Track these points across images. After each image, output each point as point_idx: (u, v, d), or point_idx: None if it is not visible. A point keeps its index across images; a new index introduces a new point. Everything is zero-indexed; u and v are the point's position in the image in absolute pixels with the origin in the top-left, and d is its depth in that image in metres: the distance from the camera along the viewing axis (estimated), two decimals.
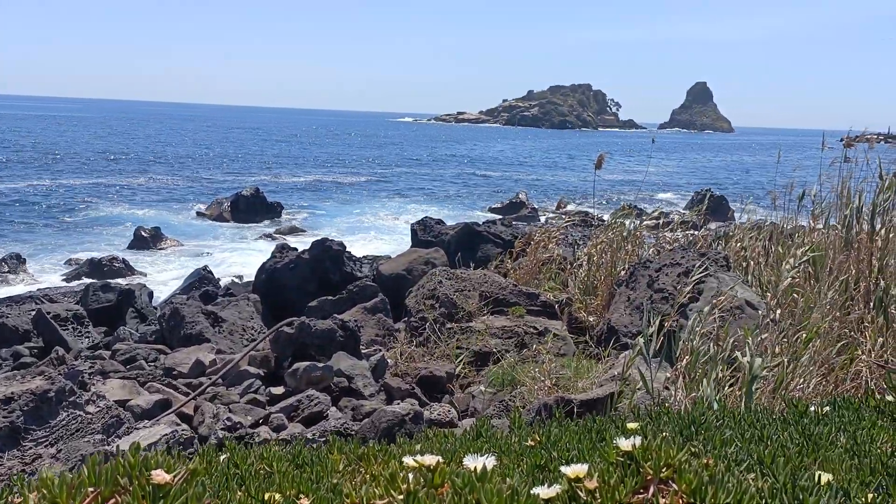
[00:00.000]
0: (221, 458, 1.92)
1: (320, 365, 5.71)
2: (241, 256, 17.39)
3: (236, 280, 12.64)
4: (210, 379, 5.92)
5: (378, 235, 21.59)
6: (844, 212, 6.49)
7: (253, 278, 9.87)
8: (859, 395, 4.32)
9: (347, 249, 9.55)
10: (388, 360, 6.37)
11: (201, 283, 10.84)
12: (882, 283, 5.27)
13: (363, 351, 6.47)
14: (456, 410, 5.60)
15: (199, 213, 24.17)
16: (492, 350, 6.39)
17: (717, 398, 3.79)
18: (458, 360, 6.32)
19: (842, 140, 7.50)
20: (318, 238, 9.48)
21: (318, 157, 55.19)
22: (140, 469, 1.12)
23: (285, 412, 5.32)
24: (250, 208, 23.18)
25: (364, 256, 14.45)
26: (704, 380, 4.22)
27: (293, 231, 21.19)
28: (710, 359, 4.48)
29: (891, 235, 5.86)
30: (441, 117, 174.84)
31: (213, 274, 11.85)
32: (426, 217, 11.75)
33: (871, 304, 5.59)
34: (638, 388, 4.64)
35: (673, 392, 4.55)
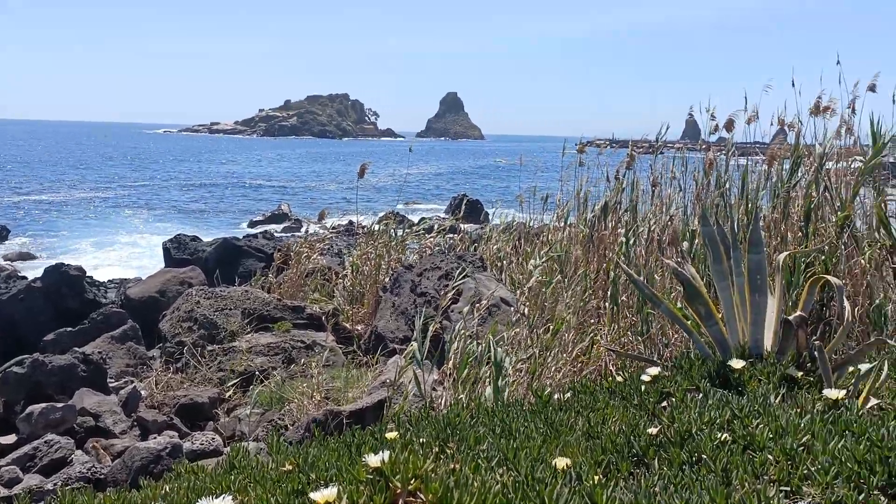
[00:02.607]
0: None
1: (60, 405, 5.12)
2: None
3: None
4: None
5: (126, 256, 19.95)
6: (583, 211, 7.15)
7: None
8: (599, 378, 4.76)
9: (89, 274, 8.70)
10: (142, 392, 5.90)
11: None
12: (612, 274, 5.86)
13: (112, 384, 5.92)
14: (221, 437, 5.31)
15: None
16: (257, 369, 6.17)
17: (483, 394, 3.96)
18: (225, 384, 6.01)
19: (576, 146, 8.27)
20: (54, 264, 8.53)
21: (55, 172, 49.80)
22: None
23: (19, 463, 4.70)
24: None
25: (110, 280, 13.26)
26: (471, 381, 4.39)
27: (24, 257, 18.87)
28: (475, 359, 4.67)
29: (620, 231, 6.55)
30: (193, 128, 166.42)
31: None
32: (180, 234, 11.07)
33: (608, 293, 6.21)
34: (411, 394, 4.72)
35: (441, 393, 4.69)
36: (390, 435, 2.22)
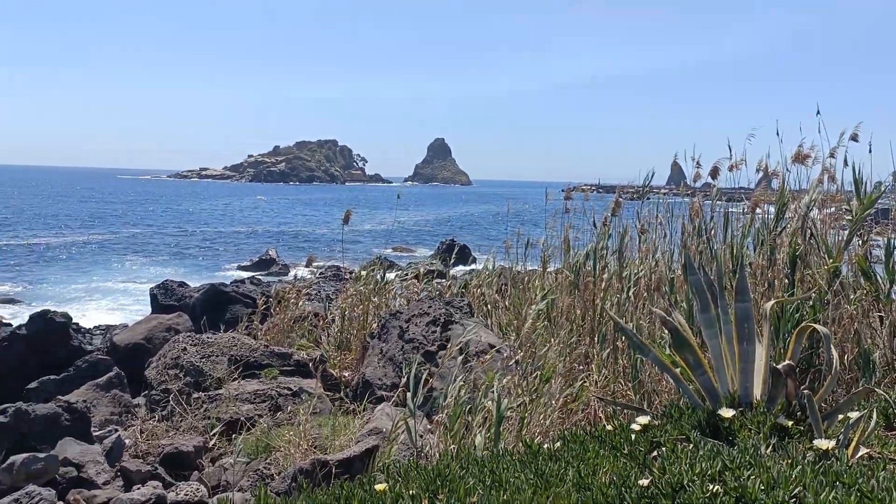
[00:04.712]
0: None
1: (42, 455, 5.01)
2: None
3: None
4: None
5: (112, 302, 19.77)
6: (568, 258, 7.20)
7: None
8: (588, 425, 4.74)
9: (75, 320, 8.61)
10: (127, 441, 5.79)
11: None
12: (599, 320, 5.87)
13: (96, 433, 5.82)
14: (206, 487, 5.21)
15: None
16: (243, 417, 6.09)
17: (473, 443, 3.93)
18: (210, 432, 5.92)
19: (563, 191, 8.36)
20: (38, 310, 8.44)
21: (38, 217, 49.60)
22: None
23: None
24: None
25: (95, 327, 13.10)
26: (463, 430, 4.36)
27: (7, 302, 18.68)
28: (471, 408, 4.63)
29: (605, 277, 6.59)
30: (182, 174, 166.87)
31: None
32: (167, 280, 11.01)
33: (595, 339, 6.22)
34: (393, 443, 4.67)
35: (430, 442, 4.65)
36: (379, 487, 2.20)
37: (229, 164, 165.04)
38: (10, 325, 8.56)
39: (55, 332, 7.95)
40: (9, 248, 31.26)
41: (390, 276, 9.35)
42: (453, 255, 12.65)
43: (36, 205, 63.50)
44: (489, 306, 7.80)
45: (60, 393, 6.45)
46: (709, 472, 1.88)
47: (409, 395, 4.41)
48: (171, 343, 7.14)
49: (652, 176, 6.91)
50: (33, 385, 6.82)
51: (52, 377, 6.94)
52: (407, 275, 10.28)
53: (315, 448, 5.48)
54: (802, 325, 2.75)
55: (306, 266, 14.02)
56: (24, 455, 4.98)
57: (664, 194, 7.48)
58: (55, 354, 7.78)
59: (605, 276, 6.61)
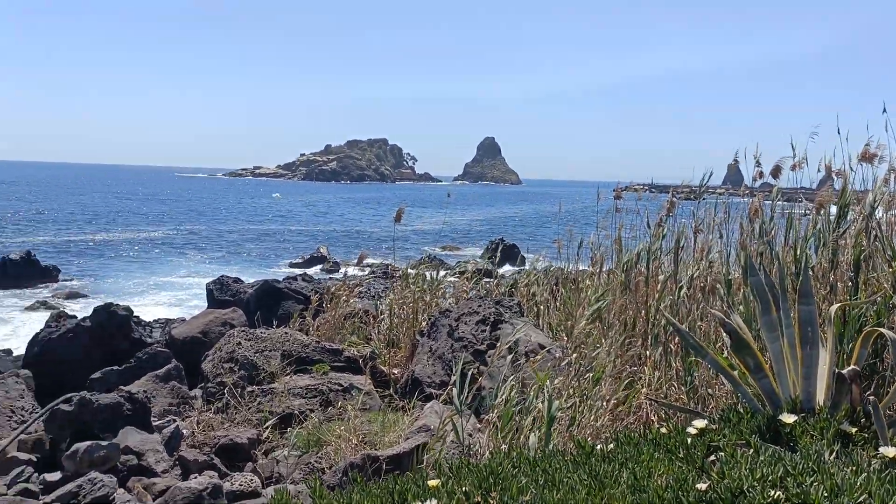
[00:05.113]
0: None
1: (104, 443, 5.19)
2: (8, 328, 15.50)
3: (3, 355, 11.23)
4: None
5: (171, 297, 20.31)
6: (621, 258, 7.12)
7: (24, 351, 8.83)
8: (640, 427, 4.68)
9: (136, 314, 8.87)
10: (184, 431, 5.95)
11: None
12: (652, 321, 5.79)
13: (155, 423, 5.99)
14: (259, 478, 5.32)
15: None
16: (296, 411, 6.19)
17: (525, 443, 3.92)
18: (263, 425, 6.04)
19: (614, 191, 8.26)
20: (102, 303, 8.72)
21: (100, 214, 51.20)
22: None
23: (63, 501, 4.75)
24: (21, 273, 20.84)
25: (155, 320, 13.50)
26: (513, 429, 4.35)
27: (73, 296, 19.33)
28: (522, 408, 4.62)
29: (660, 278, 6.49)
30: (237, 172, 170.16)
31: None
32: (223, 275, 11.26)
33: (648, 340, 6.13)
34: (442, 440, 4.69)
35: (479, 441, 4.65)
36: (432, 483, 2.21)
37: (282, 162, 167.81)
38: (74, 317, 8.86)
39: (118, 325, 8.21)
40: (76, 243, 32.39)
41: (439, 274, 9.37)
42: (503, 255, 12.62)
43: (103, 202, 65.57)
44: (540, 306, 7.76)
45: (122, 383, 6.66)
46: (770, 477, 1.84)
47: (454, 392, 4.40)
48: (226, 337, 7.30)
49: (710, 176, 6.77)
50: (97, 375, 7.05)
51: (115, 368, 7.16)
52: (456, 274, 10.30)
53: (364, 443, 5.54)
54: (867, 329, 2.67)
55: (356, 264, 14.15)
56: (88, 443, 5.16)
57: (721, 194, 7.32)
58: (117, 346, 8.04)
59: (660, 276, 6.52)
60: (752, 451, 2.12)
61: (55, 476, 5.08)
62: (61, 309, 14.34)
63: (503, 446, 4.02)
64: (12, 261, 21.12)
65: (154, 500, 4.81)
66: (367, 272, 15.42)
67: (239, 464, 5.61)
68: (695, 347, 2.82)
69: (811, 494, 1.71)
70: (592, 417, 4.75)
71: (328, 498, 2.24)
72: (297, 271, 19.34)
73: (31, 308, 17.67)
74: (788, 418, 2.28)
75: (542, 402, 4.26)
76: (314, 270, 23.47)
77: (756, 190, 6.85)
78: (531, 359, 5.85)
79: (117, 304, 8.68)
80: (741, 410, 2.48)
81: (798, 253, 5.45)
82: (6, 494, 4.90)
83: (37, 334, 8.35)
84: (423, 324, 7.70)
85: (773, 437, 2.28)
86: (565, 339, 6.71)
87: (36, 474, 5.16)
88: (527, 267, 10.21)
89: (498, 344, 6.39)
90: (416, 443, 4.90)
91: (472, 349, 6.59)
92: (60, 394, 5.85)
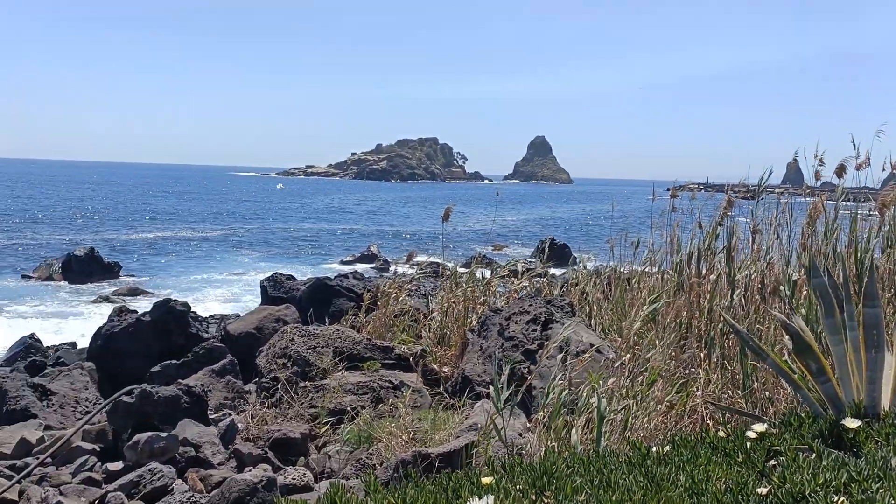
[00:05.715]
0: None
1: (164, 435, 5.34)
2: (74, 321, 16.05)
3: (68, 347, 11.64)
4: (37, 459, 5.37)
5: (226, 293, 20.76)
6: (675, 258, 6.99)
7: (87, 345, 9.15)
8: (696, 430, 4.59)
9: (193, 309, 9.09)
10: (239, 425, 6.07)
11: (27, 353, 9.91)
12: (707, 323, 5.68)
13: (211, 416, 6.13)
14: (312, 473, 5.40)
15: (24, 276, 22.17)
16: (347, 407, 6.26)
17: (576, 443, 3.89)
18: (315, 420, 6.13)
19: (668, 190, 8.13)
20: (161, 299, 8.97)
21: (158, 212, 52.60)
22: None
23: (124, 490, 4.91)
24: (84, 269, 21.57)
25: (211, 316, 13.80)
26: (563, 429, 4.32)
27: (134, 292, 19.91)
28: (572, 409, 4.59)
29: (713, 278, 6.37)
30: (289, 171, 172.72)
31: (41, 342, 10.86)
32: (276, 273, 11.43)
33: (703, 342, 6.02)
34: (491, 438, 4.69)
35: (529, 440, 4.63)
36: (486, 480, 2.21)
37: (334, 161, 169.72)
38: (135, 311, 9.13)
39: (176, 320, 8.43)
40: (137, 241, 33.36)
41: (489, 273, 9.36)
42: (553, 254, 12.53)
43: (164, 201, 67.29)
44: (593, 306, 7.68)
45: (180, 377, 6.83)
46: (833, 483, 1.80)
47: (492, 391, 4.35)
48: (279, 333, 7.42)
49: (769, 175, 6.60)
50: (156, 368, 7.26)
51: (173, 362, 7.36)
52: (506, 273, 10.26)
53: (415, 441, 5.57)
54: None
55: (406, 262, 14.20)
56: (148, 434, 5.31)
57: (780, 194, 7.14)
58: (175, 340, 8.25)
59: (713, 276, 6.39)
60: (814, 455, 2.07)
61: (117, 465, 5.25)
62: (122, 304, 14.77)
63: (553, 444, 4.00)
64: (77, 257, 21.88)
65: (209, 490, 4.93)
66: (416, 270, 15.50)
67: (291, 458, 5.70)
68: (755, 350, 2.76)
69: (878, 501, 1.66)
70: (646, 419, 4.69)
71: (382, 493, 2.27)
72: (348, 269, 19.58)
73: (94, 303, 18.30)
74: (852, 423, 2.22)
75: (595, 403, 4.22)
76: (364, 268, 23.70)
77: (817, 189, 6.66)
78: (581, 358, 5.80)
79: (175, 300, 8.92)
80: (802, 415, 2.42)
81: (861, 254, 5.29)
82: (71, 483, 5.08)
83: (100, 328, 8.64)
84: (474, 322, 7.70)
85: (835, 443, 2.22)
86: (618, 339, 6.63)
87: (99, 463, 5.33)
88: (577, 266, 10.11)
89: (548, 343, 6.35)
90: (466, 441, 4.90)
91: (522, 348, 6.56)
92: (120, 386, 6.04)
